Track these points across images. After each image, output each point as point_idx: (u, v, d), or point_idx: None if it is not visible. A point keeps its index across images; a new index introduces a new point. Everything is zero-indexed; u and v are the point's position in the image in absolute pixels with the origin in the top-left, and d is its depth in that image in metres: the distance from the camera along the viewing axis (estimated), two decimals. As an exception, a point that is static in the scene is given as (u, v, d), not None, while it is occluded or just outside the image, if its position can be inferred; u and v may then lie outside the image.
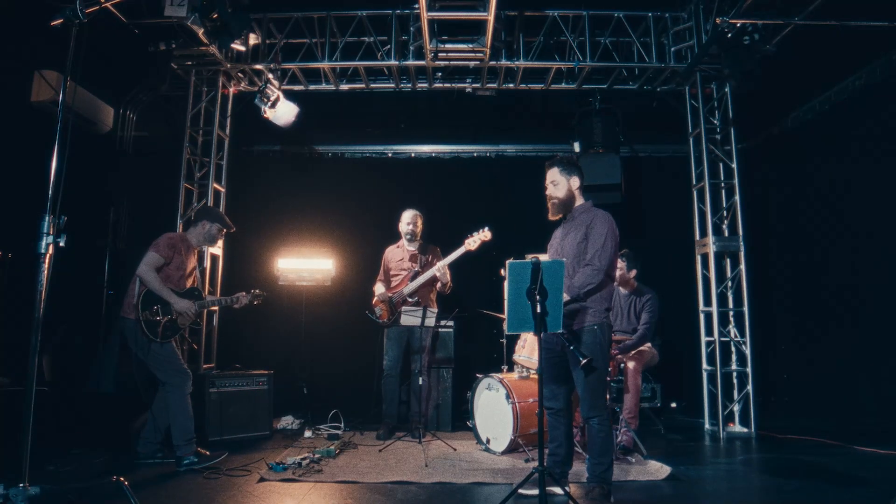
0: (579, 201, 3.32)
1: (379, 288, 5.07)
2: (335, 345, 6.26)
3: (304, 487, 3.35)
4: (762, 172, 6.82)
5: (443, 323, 5.11)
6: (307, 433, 4.78)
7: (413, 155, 7.13)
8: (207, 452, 3.83)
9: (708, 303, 5.31)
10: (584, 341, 3.07)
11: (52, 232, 2.46)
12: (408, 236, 5.03)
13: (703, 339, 5.32)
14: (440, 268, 4.74)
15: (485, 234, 4.71)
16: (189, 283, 4.05)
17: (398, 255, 5.08)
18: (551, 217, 3.35)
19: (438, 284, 4.88)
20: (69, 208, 2.53)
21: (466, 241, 4.71)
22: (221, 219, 4.24)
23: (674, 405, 5.95)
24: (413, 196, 5.68)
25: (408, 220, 5.03)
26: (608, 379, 4.29)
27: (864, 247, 5.36)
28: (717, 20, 4.47)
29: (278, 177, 6.86)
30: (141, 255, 3.88)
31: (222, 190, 5.68)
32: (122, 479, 2.73)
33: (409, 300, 4.83)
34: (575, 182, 3.30)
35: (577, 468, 3.46)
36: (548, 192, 3.33)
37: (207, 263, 5.39)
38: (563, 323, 3.09)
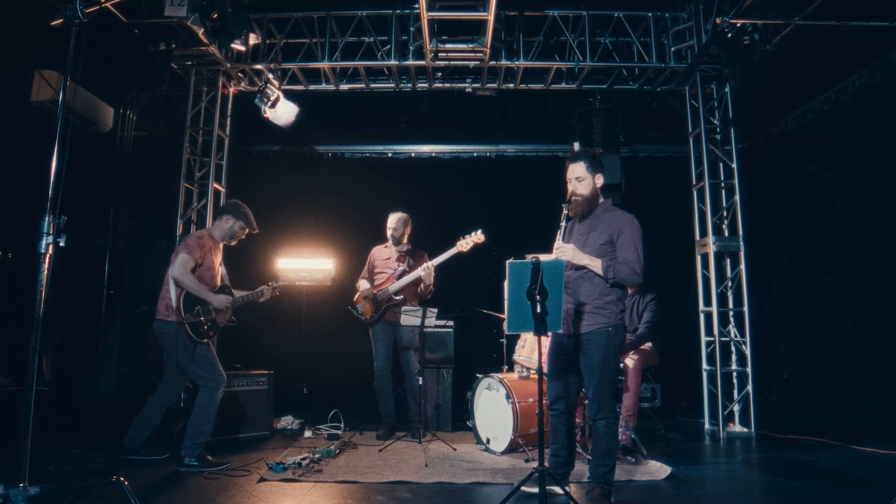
0: (600, 199, 3.19)
1: (363, 284, 5.00)
2: (335, 345, 6.25)
3: (304, 487, 3.35)
4: (762, 172, 6.82)
5: (442, 323, 5.10)
6: (307, 433, 4.78)
7: (413, 155, 7.13)
8: (211, 458, 3.81)
9: (708, 303, 5.31)
10: (598, 343, 3.02)
11: (52, 232, 2.46)
12: (391, 240, 4.99)
13: (703, 339, 5.32)
14: (427, 268, 4.72)
15: (478, 237, 4.65)
16: (218, 282, 4.02)
17: (385, 254, 5.05)
18: (572, 215, 3.16)
19: (421, 286, 4.84)
20: (69, 208, 2.53)
21: (458, 243, 4.66)
22: (246, 218, 4.11)
23: (674, 405, 5.95)
24: (413, 196, 5.69)
25: (391, 224, 4.98)
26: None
27: (864, 247, 5.36)
28: (717, 20, 4.47)
29: (278, 177, 6.86)
30: (140, 255, 3.87)
31: (222, 190, 5.69)
32: (122, 479, 2.73)
33: (395, 298, 4.80)
34: (600, 179, 3.16)
35: (579, 468, 3.46)
36: (571, 189, 3.14)
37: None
38: (578, 324, 3.07)
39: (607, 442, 3.02)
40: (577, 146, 6.11)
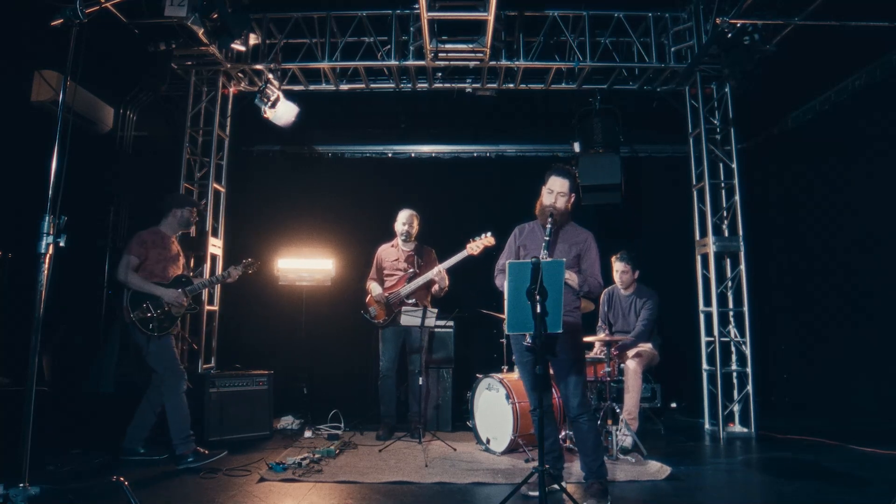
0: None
1: (375, 287, 4.97)
2: (335, 345, 6.25)
3: (304, 487, 3.35)
4: (762, 172, 6.82)
5: (442, 323, 5.10)
6: (307, 433, 4.78)
7: (413, 155, 7.12)
8: (206, 451, 3.85)
9: (708, 303, 5.31)
10: (571, 337, 3.18)
11: (52, 232, 2.45)
12: (403, 236, 4.97)
13: (703, 339, 5.32)
14: (439, 271, 4.71)
15: (488, 240, 4.56)
16: (176, 272, 4.10)
17: (393, 254, 5.04)
18: (549, 225, 3.15)
19: (435, 287, 4.83)
20: (69, 208, 2.53)
21: (469, 246, 4.60)
22: (188, 200, 4.33)
23: (674, 405, 5.95)
24: (413, 196, 5.67)
25: (403, 219, 4.98)
26: (609, 380, 4.32)
27: (864, 247, 5.36)
28: (717, 20, 4.47)
29: (278, 177, 6.86)
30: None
31: (222, 190, 5.68)
32: (122, 479, 2.73)
33: (408, 301, 4.81)
34: (573, 199, 3.34)
35: (568, 467, 3.46)
36: (552, 201, 3.23)
37: (207, 263, 5.40)
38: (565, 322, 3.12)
39: (593, 436, 3.17)
40: (577, 146, 6.11)
